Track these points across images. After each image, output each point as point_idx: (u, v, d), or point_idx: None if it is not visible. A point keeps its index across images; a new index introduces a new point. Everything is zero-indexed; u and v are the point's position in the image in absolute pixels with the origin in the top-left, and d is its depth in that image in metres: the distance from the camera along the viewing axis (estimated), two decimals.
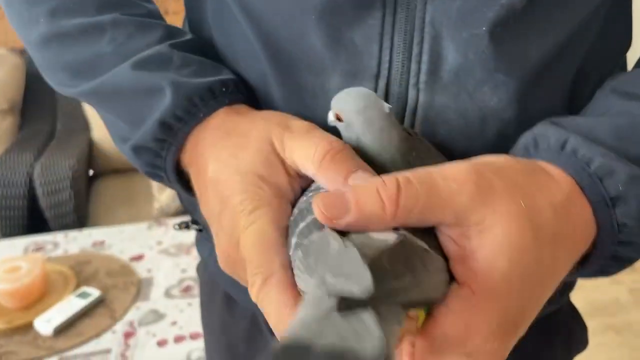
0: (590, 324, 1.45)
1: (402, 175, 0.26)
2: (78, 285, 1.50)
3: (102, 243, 1.79)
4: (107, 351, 1.29)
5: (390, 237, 0.24)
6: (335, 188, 0.28)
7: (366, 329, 0.21)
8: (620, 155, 0.30)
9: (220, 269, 0.46)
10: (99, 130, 2.49)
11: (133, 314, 1.42)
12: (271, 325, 0.28)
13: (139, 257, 1.69)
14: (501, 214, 0.25)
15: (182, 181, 0.40)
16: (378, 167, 0.31)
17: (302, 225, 0.28)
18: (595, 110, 0.36)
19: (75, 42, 0.42)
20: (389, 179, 0.26)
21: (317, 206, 0.25)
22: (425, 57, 0.35)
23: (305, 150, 0.31)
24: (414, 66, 0.36)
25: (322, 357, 0.21)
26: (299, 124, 0.34)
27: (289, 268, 0.28)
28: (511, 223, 0.25)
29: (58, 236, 1.84)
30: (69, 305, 1.39)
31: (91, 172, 2.49)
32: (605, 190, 0.30)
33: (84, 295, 1.43)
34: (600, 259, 0.32)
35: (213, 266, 0.53)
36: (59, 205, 2.09)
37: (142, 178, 2.41)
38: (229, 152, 0.34)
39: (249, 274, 0.29)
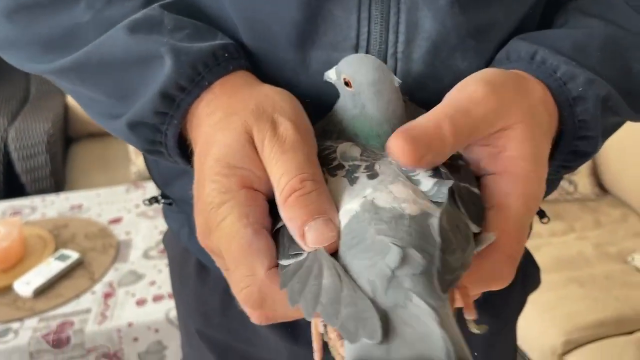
0: (555, 277, 1.51)
1: (443, 113, 0.31)
2: (56, 248, 1.52)
3: (79, 207, 1.80)
4: (87, 311, 1.33)
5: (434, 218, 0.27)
6: (292, 226, 0.29)
7: (428, 329, 0.22)
8: (579, 63, 0.36)
9: (195, 239, 0.47)
10: None
11: (112, 275, 1.45)
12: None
13: (117, 220, 1.71)
14: (516, 115, 0.32)
15: (185, 156, 0.37)
16: (377, 135, 0.33)
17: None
18: (558, 25, 0.42)
19: (45, 11, 0.38)
20: (434, 119, 0.30)
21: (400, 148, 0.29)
22: (402, 27, 0.37)
23: (278, 172, 0.30)
24: (391, 36, 0.37)
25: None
26: (286, 126, 0.32)
27: (274, 268, 0.28)
28: (524, 121, 0.32)
29: (35, 200, 1.84)
30: (47, 268, 1.41)
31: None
32: (569, 91, 0.36)
33: (62, 257, 1.45)
34: (563, 154, 0.38)
35: (187, 237, 0.54)
36: (35, 170, 2.08)
37: (119, 142, 2.40)
38: (212, 131, 0.33)
39: (238, 277, 0.29)
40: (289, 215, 0.29)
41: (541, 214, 0.51)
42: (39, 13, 0.39)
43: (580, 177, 1.86)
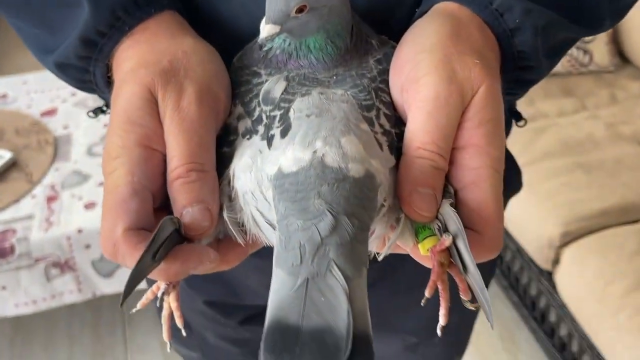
0: (560, 162, 1.63)
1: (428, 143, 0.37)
2: None
3: (4, 97, 1.83)
4: (30, 217, 1.42)
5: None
6: (173, 207, 0.36)
7: (338, 302, 0.30)
8: None
9: None
10: None
11: (53, 176, 1.53)
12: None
13: (51, 112, 1.75)
14: (478, 81, 0.38)
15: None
16: (332, 44, 0.40)
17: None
18: None
19: None
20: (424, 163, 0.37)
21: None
22: None
23: (171, 152, 0.37)
24: None
25: (308, 341, 0.29)
26: (190, 100, 0.38)
27: (133, 230, 0.35)
28: (485, 81, 0.38)
29: None
30: None
31: None
32: (505, 23, 0.41)
33: None
34: (506, 83, 0.43)
35: None
36: None
37: None
38: (121, 82, 0.39)
39: (101, 235, 0.36)
40: (171, 197, 0.37)
41: (517, 117, 0.58)
42: None
43: (597, 45, 1.92)
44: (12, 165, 1.54)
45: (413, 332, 0.77)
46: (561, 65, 1.91)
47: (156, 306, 0.81)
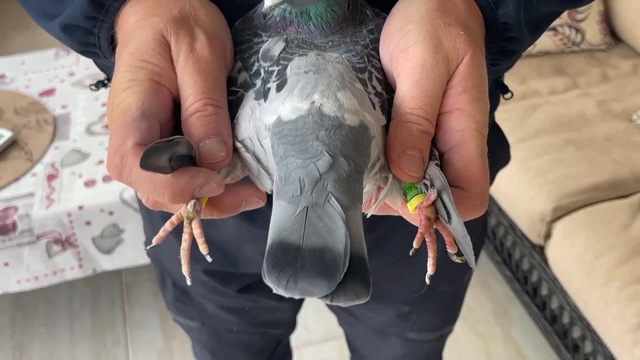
0: (552, 139, 1.65)
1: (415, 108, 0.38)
2: None
3: (2, 77, 1.83)
4: (31, 194, 1.43)
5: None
6: (192, 139, 0.37)
7: (335, 226, 0.32)
8: None
9: None
10: None
11: (53, 155, 1.53)
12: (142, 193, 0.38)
13: (49, 92, 1.75)
14: (462, 50, 0.39)
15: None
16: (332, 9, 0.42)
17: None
18: None
19: None
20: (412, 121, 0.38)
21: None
22: None
23: (187, 90, 0.38)
24: None
25: (309, 256, 0.31)
26: (203, 42, 0.40)
27: (143, 145, 0.35)
28: (469, 50, 0.40)
29: None
30: None
31: None
32: None
33: None
34: (491, 53, 0.45)
35: None
36: None
37: None
38: (132, 28, 0.41)
39: (109, 152, 0.37)
40: (188, 132, 0.38)
41: (503, 89, 0.59)
42: None
43: (589, 24, 1.92)
44: (12, 144, 1.55)
45: (405, 302, 0.79)
46: (553, 44, 1.91)
47: (156, 278, 0.83)
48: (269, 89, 0.39)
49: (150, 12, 0.41)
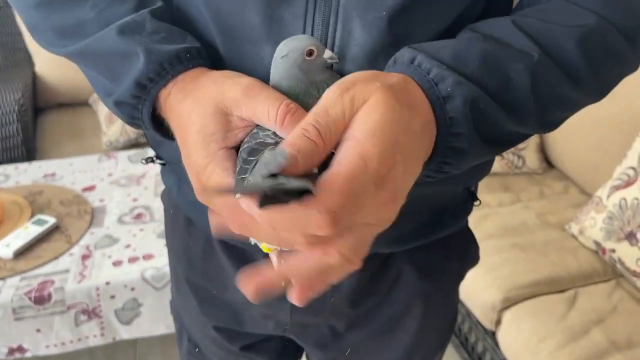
0: (500, 242, 1.69)
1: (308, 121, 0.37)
2: (33, 214, 1.61)
3: (52, 175, 1.88)
4: (66, 271, 1.43)
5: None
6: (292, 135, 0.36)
7: (286, 179, 0.33)
8: (454, 69, 0.42)
9: (182, 196, 0.63)
10: (42, 64, 2.47)
11: (88, 239, 1.55)
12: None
13: (90, 188, 1.80)
14: (370, 90, 0.38)
15: (159, 127, 0.49)
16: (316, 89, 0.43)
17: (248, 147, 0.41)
18: (449, 39, 0.49)
19: (62, 7, 0.50)
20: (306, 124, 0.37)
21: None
22: (338, 34, 0.47)
23: (264, 108, 0.40)
24: (329, 40, 0.47)
25: (267, 186, 0.32)
26: (244, 80, 0.43)
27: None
28: (378, 92, 0.38)
29: (8, 169, 1.91)
30: (26, 232, 1.50)
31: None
32: (439, 91, 0.41)
33: (39, 222, 1.55)
34: (441, 149, 0.42)
35: (176, 194, 0.65)
36: (7, 139, 2.14)
37: (90, 112, 2.45)
38: (187, 114, 0.44)
39: (230, 218, 0.37)
40: (286, 133, 0.39)
41: (473, 197, 0.60)
42: (56, 8, 0.51)
43: (529, 153, 2.04)
44: (55, 229, 1.57)
45: None
46: (500, 167, 2.01)
47: (176, 332, 0.82)
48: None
49: (195, 95, 0.44)
